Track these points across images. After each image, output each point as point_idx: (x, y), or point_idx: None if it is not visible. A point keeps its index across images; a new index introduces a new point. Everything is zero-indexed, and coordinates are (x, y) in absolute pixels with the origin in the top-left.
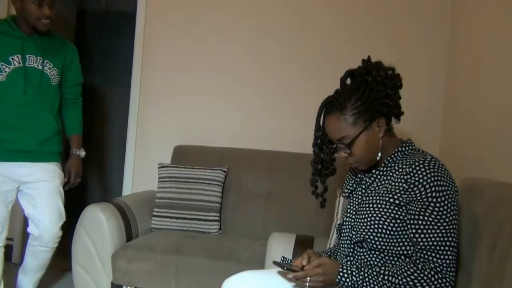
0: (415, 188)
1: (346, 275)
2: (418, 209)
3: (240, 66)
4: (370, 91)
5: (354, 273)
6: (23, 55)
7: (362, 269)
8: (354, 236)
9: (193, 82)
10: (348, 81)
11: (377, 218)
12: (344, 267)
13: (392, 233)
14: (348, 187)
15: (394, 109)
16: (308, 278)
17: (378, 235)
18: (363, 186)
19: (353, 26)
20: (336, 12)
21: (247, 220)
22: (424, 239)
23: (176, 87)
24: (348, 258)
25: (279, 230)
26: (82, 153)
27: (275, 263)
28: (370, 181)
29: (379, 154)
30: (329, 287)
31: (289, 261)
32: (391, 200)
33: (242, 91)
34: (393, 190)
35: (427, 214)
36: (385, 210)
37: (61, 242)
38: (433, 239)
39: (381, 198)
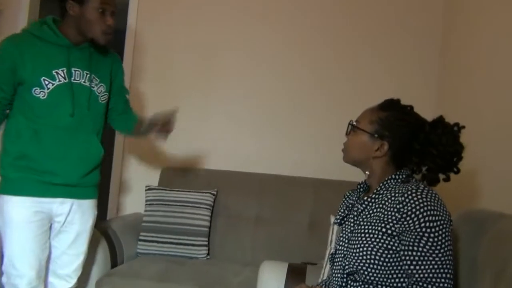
0: (408, 218)
1: None
2: (412, 240)
3: (228, 87)
4: (408, 128)
5: None
6: (68, 68)
7: None
8: (346, 267)
9: (181, 103)
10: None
11: (369, 249)
12: None
13: (385, 264)
14: (340, 213)
15: (420, 170)
16: None
17: (371, 266)
18: (355, 213)
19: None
20: (326, 36)
21: (236, 244)
22: (420, 271)
23: (164, 107)
24: None
25: (269, 255)
26: None
27: None
28: (362, 208)
29: (369, 175)
30: None
31: None
32: (383, 230)
33: (231, 112)
34: (385, 219)
35: (421, 244)
36: (377, 240)
37: None
38: (428, 270)
39: (373, 227)
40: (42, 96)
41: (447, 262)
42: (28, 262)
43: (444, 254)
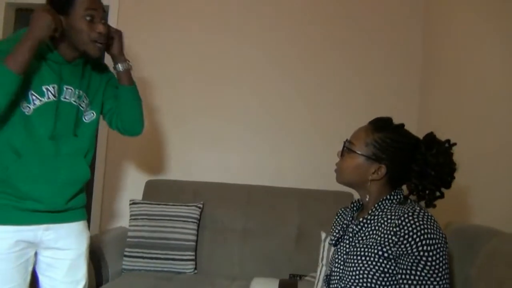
0: (405, 242)
1: None
2: (409, 264)
3: (214, 97)
4: (405, 150)
5: None
6: (59, 85)
7: None
8: None
9: (163, 114)
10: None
11: (366, 272)
12: None
13: (381, 287)
14: (335, 234)
15: (418, 191)
16: None
17: None
18: (350, 235)
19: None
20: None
21: (224, 258)
22: None
23: (146, 118)
24: None
25: (257, 268)
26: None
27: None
28: (357, 229)
29: (368, 198)
30: None
31: None
32: (380, 253)
33: (214, 124)
34: (382, 242)
35: (419, 268)
36: (374, 263)
37: None
38: None
39: (369, 250)
40: (27, 112)
41: (445, 285)
42: None
43: (442, 278)
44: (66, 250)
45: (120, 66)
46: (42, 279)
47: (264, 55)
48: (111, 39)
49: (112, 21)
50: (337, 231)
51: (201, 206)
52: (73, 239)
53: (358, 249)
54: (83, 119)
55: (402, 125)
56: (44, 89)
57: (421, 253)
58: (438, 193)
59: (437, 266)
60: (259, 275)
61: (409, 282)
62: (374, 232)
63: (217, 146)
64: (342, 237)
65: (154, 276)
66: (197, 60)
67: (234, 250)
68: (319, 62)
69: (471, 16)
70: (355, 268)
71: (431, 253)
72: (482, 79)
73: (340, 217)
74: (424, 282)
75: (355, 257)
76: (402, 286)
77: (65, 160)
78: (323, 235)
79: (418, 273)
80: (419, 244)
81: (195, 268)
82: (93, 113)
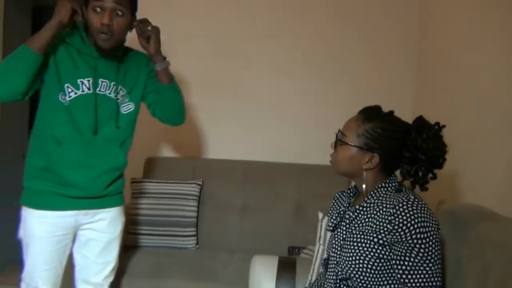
0: (399, 230)
1: None
2: (403, 251)
3: (211, 73)
4: (395, 137)
5: None
6: (95, 79)
7: None
8: (339, 273)
9: None
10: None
11: (362, 257)
12: None
13: (377, 272)
14: (332, 220)
15: (410, 177)
16: None
17: (363, 274)
18: (347, 221)
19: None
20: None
21: (224, 233)
22: (412, 280)
23: None
24: None
25: (257, 243)
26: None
27: None
28: (354, 216)
29: (364, 186)
30: None
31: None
32: (375, 239)
33: (214, 100)
34: (377, 229)
35: (412, 255)
36: (369, 249)
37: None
38: (420, 280)
39: (365, 237)
40: (65, 103)
41: (437, 271)
42: (45, 275)
43: (435, 263)
44: (101, 233)
45: (158, 66)
46: (76, 256)
47: (269, 36)
48: (148, 38)
49: None
50: (334, 217)
51: (200, 183)
52: (108, 224)
53: (355, 235)
54: (121, 110)
55: (392, 112)
56: (79, 82)
57: (415, 241)
58: (431, 175)
59: (429, 253)
60: (258, 249)
61: (403, 268)
62: (370, 219)
63: (215, 122)
64: (339, 223)
65: (157, 252)
66: (206, 39)
67: (234, 226)
68: (323, 36)
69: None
70: (351, 254)
71: (424, 241)
72: (475, 62)
73: (337, 201)
74: (417, 268)
75: (351, 243)
76: (396, 271)
77: (102, 148)
78: (320, 215)
79: (412, 259)
80: (413, 232)
81: (197, 243)
82: (130, 104)
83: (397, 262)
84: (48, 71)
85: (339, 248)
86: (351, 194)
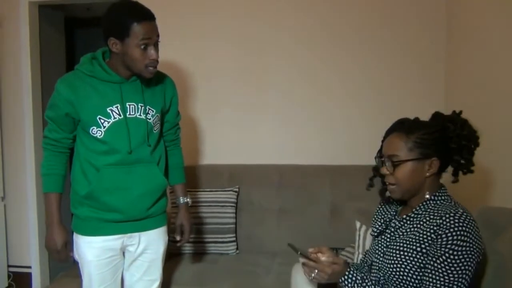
0: (439, 238)
1: (349, 280)
2: (435, 255)
3: (239, 80)
4: (442, 136)
5: (357, 281)
6: (122, 104)
7: (366, 281)
8: (381, 278)
9: (194, 97)
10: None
11: (404, 265)
12: (351, 271)
13: (417, 281)
14: (377, 226)
15: (459, 166)
16: (316, 270)
17: (404, 281)
18: (392, 229)
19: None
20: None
21: (262, 237)
22: (429, 281)
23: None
24: None
25: (294, 245)
26: (190, 201)
27: (290, 245)
28: (400, 225)
29: (427, 195)
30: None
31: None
32: (418, 249)
33: (244, 104)
34: (421, 239)
35: (439, 260)
36: (412, 257)
37: None
38: (433, 284)
39: (408, 245)
40: (99, 135)
41: (459, 285)
42: None
43: (459, 277)
44: (146, 254)
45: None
46: (124, 274)
47: (295, 36)
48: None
49: None
50: (379, 223)
51: (237, 190)
52: (152, 244)
53: (398, 243)
54: (153, 130)
55: (418, 118)
56: (109, 111)
57: (448, 249)
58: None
59: (455, 265)
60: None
61: (428, 270)
62: (415, 229)
63: (246, 127)
64: (384, 230)
65: (199, 259)
66: (223, 43)
67: (271, 229)
68: (352, 39)
69: None
70: (393, 261)
71: (456, 253)
72: (507, 64)
73: (382, 208)
74: (439, 273)
75: (394, 250)
76: (424, 272)
77: (139, 170)
78: (358, 224)
79: (437, 264)
80: (450, 240)
81: (237, 249)
82: (159, 122)
83: (427, 265)
84: (79, 117)
85: (382, 254)
86: (398, 203)
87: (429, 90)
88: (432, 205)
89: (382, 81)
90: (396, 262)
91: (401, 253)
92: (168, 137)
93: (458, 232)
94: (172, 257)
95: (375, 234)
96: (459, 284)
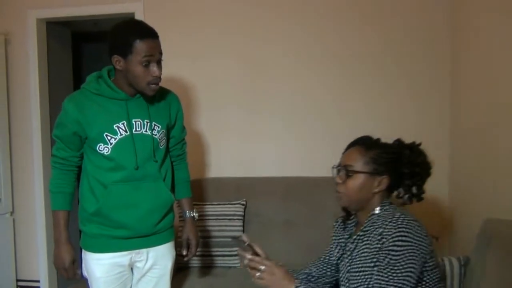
0: (382, 240)
1: None
2: (379, 259)
3: (244, 94)
4: (397, 158)
5: None
6: (128, 120)
7: None
8: None
9: (195, 111)
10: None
11: (365, 284)
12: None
13: None
14: (335, 254)
15: (409, 192)
16: (262, 267)
17: None
18: (348, 253)
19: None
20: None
21: (270, 249)
22: (376, 285)
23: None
24: None
25: (302, 257)
26: (196, 215)
27: (235, 238)
28: (354, 246)
29: (378, 209)
30: None
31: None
32: (372, 264)
33: (247, 117)
34: (372, 254)
35: (384, 262)
36: (371, 275)
37: None
38: (383, 285)
39: (365, 264)
40: (106, 152)
41: (399, 285)
42: None
43: (401, 279)
44: (154, 270)
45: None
46: None
47: (297, 53)
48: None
49: None
50: (337, 251)
51: (244, 203)
52: (160, 260)
53: (357, 265)
54: (159, 145)
55: (380, 139)
56: (116, 128)
57: (389, 251)
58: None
59: (397, 265)
60: (304, 264)
61: (375, 273)
62: (366, 246)
63: (250, 139)
64: (342, 256)
65: (207, 272)
66: (225, 58)
67: (278, 241)
68: (354, 51)
69: None
70: (357, 285)
71: (397, 253)
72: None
73: (336, 232)
74: (383, 274)
75: (355, 273)
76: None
77: (146, 186)
78: None
79: (381, 267)
80: (391, 242)
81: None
82: (165, 138)
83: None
84: (86, 134)
85: (346, 281)
86: (352, 226)
87: (435, 110)
88: (376, 218)
89: (386, 98)
90: (360, 284)
91: (361, 274)
92: (174, 152)
93: (397, 233)
94: (179, 271)
95: (335, 261)
96: (404, 284)
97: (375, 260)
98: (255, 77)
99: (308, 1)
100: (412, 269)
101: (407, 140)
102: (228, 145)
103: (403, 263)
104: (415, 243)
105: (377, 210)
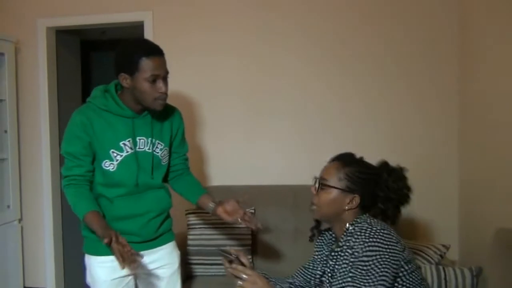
0: (354, 254)
1: None
2: (351, 269)
3: (252, 103)
4: (373, 180)
5: None
6: (133, 138)
7: None
8: None
9: (200, 121)
10: None
11: None
12: None
13: None
14: (318, 271)
15: (383, 215)
16: (245, 276)
17: None
18: (329, 269)
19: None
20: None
21: (279, 258)
22: None
23: (191, 127)
24: None
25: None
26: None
27: (222, 250)
28: (333, 263)
29: (348, 225)
30: None
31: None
32: (349, 279)
33: (257, 127)
34: (348, 268)
35: (357, 272)
36: None
37: None
38: None
39: (344, 279)
40: (112, 169)
41: None
42: None
43: (375, 285)
44: (161, 270)
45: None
46: None
47: (302, 61)
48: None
49: (148, 37)
50: (319, 268)
51: (253, 211)
52: (165, 259)
53: (338, 281)
54: (161, 162)
55: (362, 158)
56: (122, 145)
57: (360, 261)
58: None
59: (371, 276)
60: None
61: (348, 280)
62: (344, 261)
63: (258, 148)
64: (324, 274)
65: (217, 281)
66: (232, 66)
67: (287, 250)
68: (355, 57)
69: None
70: None
71: (368, 262)
72: None
73: (317, 249)
74: (357, 282)
75: None
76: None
77: (148, 197)
78: None
79: (355, 276)
80: (362, 252)
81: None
82: (168, 155)
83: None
84: (94, 147)
85: None
86: (332, 241)
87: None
88: (351, 232)
89: (396, 104)
90: None
91: None
92: (177, 167)
93: (367, 244)
94: (186, 280)
95: (317, 280)
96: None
97: (351, 274)
98: (261, 86)
99: (309, 1)
100: (385, 277)
101: (409, 142)
102: (232, 155)
103: (377, 270)
104: (385, 249)
105: (348, 226)
